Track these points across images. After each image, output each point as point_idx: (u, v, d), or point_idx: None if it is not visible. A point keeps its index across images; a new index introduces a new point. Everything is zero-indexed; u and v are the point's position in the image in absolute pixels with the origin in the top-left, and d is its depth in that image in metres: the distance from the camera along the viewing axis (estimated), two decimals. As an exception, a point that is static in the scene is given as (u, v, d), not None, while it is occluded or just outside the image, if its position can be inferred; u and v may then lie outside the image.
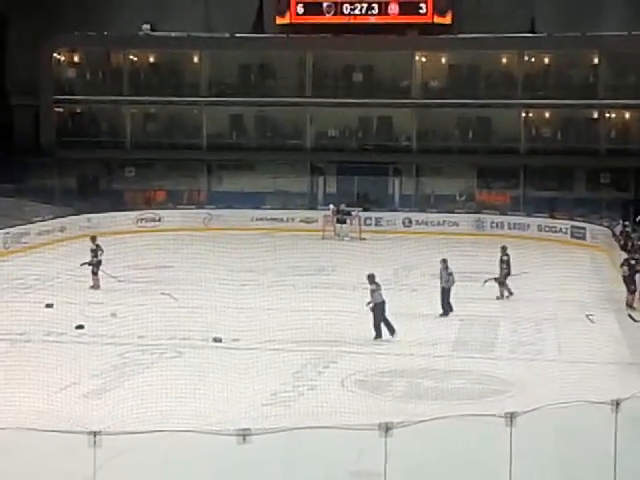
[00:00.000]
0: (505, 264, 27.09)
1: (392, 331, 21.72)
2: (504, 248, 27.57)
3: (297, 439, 12.38)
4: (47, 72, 47.02)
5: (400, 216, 43.67)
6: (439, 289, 24.66)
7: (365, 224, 41.69)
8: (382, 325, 21.76)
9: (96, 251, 28.57)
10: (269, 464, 12.41)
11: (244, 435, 10.87)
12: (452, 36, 45.93)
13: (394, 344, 20.99)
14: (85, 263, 28.46)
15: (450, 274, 24.58)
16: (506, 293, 26.95)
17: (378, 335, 21.69)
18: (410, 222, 43.23)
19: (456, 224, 42.63)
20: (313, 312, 23.11)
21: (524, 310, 25.35)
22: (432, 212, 43.85)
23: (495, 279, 26.87)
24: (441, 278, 24.69)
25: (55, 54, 47.56)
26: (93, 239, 29.37)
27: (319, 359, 19.93)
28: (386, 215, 43.74)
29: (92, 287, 27.94)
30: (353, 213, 41.49)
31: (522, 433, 11.38)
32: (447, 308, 24.37)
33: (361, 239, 39.83)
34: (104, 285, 27.76)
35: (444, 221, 43.01)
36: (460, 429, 13.41)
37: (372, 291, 22.12)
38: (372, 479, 11.74)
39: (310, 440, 12.65)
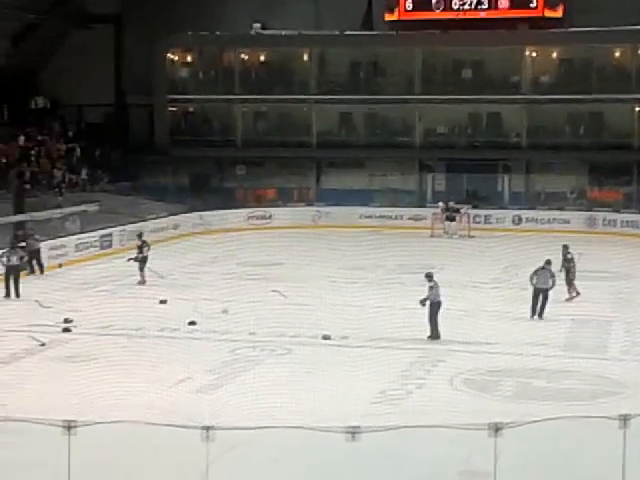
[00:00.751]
0: (570, 262, 26.07)
1: (437, 336, 21.22)
2: (566, 247, 26.47)
3: (406, 437, 12.44)
4: (161, 72, 47.91)
5: (510, 213, 43.25)
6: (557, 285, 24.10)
7: (474, 222, 41.43)
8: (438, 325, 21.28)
9: (142, 247, 29.01)
10: (378, 462, 12.49)
11: (353, 432, 10.94)
12: (563, 30, 45.20)
13: (503, 344, 20.78)
14: (131, 259, 28.97)
15: (552, 276, 23.92)
16: (574, 293, 25.72)
17: (434, 336, 21.21)
18: (520, 220, 42.78)
19: (567, 222, 41.99)
20: (421, 310, 23.09)
21: (638, 310, 24.82)
22: (542, 209, 43.32)
23: (566, 281, 25.68)
24: (536, 278, 23.72)
25: (169, 54, 48.45)
26: (139, 236, 29.88)
27: (427, 357, 19.87)
28: (495, 212, 43.37)
29: (139, 283, 28.42)
30: (462, 210, 41.25)
31: (636, 436, 11.19)
32: (536, 310, 23.54)
33: (470, 237, 39.59)
34: (216, 282, 28.16)
35: (554, 219, 42.45)
36: (571, 430, 13.27)
37: (430, 288, 21.65)
38: (481, 479, 11.72)
39: (419, 439, 12.69)
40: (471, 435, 11.31)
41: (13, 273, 26.61)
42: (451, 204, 41.26)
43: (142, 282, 28.53)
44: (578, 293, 25.75)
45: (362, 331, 21.38)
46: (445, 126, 47.39)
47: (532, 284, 23.76)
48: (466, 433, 11.44)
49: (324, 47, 47.48)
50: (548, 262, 24.13)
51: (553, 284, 23.79)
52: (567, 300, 25.34)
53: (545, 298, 23.59)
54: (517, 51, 46.09)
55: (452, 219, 40.80)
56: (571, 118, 46.28)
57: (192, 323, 22.87)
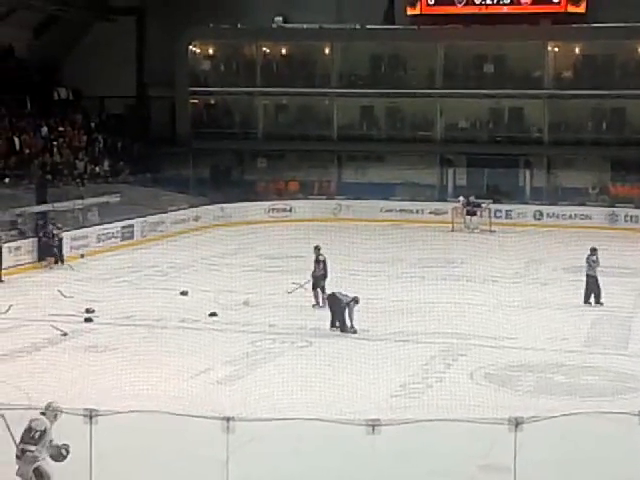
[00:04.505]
0: (321, 264, 24.22)
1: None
2: (317, 248, 24.65)
3: (426, 431, 12.45)
4: (183, 64, 47.92)
5: (531, 209, 43.15)
6: (577, 281, 24.15)
7: (495, 216, 41.34)
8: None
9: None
10: (397, 455, 12.49)
11: (373, 425, 10.95)
12: (586, 25, 44.95)
13: (524, 339, 20.72)
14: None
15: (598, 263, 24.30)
16: (320, 301, 23.69)
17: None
18: (541, 215, 42.66)
19: (589, 217, 41.84)
20: (442, 304, 23.11)
21: (660, 307, 24.75)
22: (564, 205, 43.15)
23: (315, 285, 24.02)
24: (587, 266, 24.24)
25: (191, 46, 48.46)
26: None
27: (448, 351, 19.86)
28: (516, 207, 43.26)
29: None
30: (483, 205, 41.17)
31: (656, 432, 11.17)
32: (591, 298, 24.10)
33: (491, 231, 39.49)
34: (237, 274, 28.13)
35: (576, 214, 42.28)
36: (592, 426, 13.26)
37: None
38: (501, 474, 11.70)
39: (439, 432, 12.70)
40: (491, 429, 11.29)
41: None
42: (472, 199, 41.17)
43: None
44: (320, 305, 23.65)
45: (382, 325, 21.38)
46: (466, 121, 47.25)
47: (588, 272, 24.11)
48: (486, 427, 11.43)
49: (345, 41, 47.33)
50: (593, 249, 24.41)
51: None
52: (314, 307, 23.74)
53: (597, 284, 23.97)
54: (539, 46, 45.83)
55: (473, 214, 40.73)
56: (593, 114, 46.04)
57: (213, 314, 22.95)
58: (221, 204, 41.84)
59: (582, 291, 24.42)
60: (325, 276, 24.18)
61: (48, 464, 11.04)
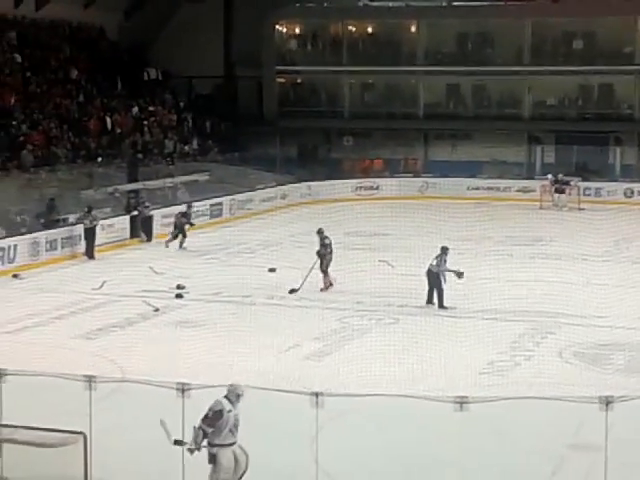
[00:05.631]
0: (326, 249, 23.87)
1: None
2: (321, 231, 24.36)
3: (514, 409, 12.43)
4: (269, 44, 48.14)
5: (621, 186, 42.40)
6: None
7: (584, 194, 40.74)
8: None
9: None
10: (485, 433, 12.52)
11: (461, 402, 10.93)
12: (680, -1, 43.95)
13: (614, 317, 20.45)
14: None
15: None
16: (328, 284, 23.65)
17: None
18: (632, 193, 41.89)
19: (682, 195, 41.07)
20: (530, 282, 22.91)
21: None
22: (656, 183, 42.40)
23: (321, 269, 23.66)
24: None
25: (277, 26, 48.66)
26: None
27: (536, 329, 19.75)
28: (606, 185, 42.56)
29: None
30: (572, 183, 40.63)
31: None
32: None
33: (580, 209, 38.97)
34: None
35: (668, 192, 41.54)
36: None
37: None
38: (591, 453, 11.64)
39: (528, 410, 12.68)
40: (581, 408, 11.20)
41: (89, 235, 28.28)
42: (560, 176, 40.66)
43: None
44: (331, 284, 23.77)
45: (470, 302, 21.34)
46: (555, 98, 46.61)
47: None
48: (576, 406, 11.32)
49: (432, 18, 47.03)
50: None
51: None
52: (322, 290, 23.54)
53: None
54: (630, 21, 44.91)
55: (561, 191, 40.24)
56: (686, 89, 45.10)
57: (293, 291, 23.06)
58: (308, 182, 42.07)
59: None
60: (331, 260, 23.86)
61: (232, 450, 11.11)
